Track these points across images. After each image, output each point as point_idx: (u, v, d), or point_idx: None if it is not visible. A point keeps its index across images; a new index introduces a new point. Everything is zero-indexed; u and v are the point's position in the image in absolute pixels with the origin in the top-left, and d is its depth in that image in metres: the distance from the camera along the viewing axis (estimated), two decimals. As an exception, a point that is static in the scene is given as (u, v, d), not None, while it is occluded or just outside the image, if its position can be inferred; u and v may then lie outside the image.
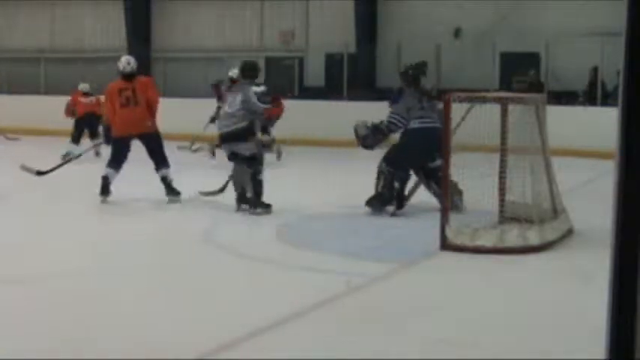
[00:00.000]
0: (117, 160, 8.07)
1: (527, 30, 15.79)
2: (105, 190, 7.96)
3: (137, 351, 3.72)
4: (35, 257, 5.77)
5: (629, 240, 1.23)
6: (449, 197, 6.19)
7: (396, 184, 7.45)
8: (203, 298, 4.76)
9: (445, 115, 6.22)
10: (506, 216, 6.61)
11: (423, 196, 7.74)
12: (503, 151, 6.72)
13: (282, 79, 18.00)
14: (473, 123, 6.35)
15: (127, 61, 8.46)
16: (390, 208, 7.47)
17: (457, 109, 6.33)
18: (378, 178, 7.55)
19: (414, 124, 7.53)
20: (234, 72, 12.37)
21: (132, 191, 8.53)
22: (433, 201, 7.45)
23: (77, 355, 3.66)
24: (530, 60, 15.61)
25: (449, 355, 3.78)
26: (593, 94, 14.48)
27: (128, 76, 8.35)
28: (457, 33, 16.99)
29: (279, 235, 6.62)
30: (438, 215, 6.21)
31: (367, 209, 7.47)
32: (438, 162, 7.50)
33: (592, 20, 15.08)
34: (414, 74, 8.06)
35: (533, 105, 6.82)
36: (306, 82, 18.46)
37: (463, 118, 8.37)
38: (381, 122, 7.72)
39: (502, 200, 6.63)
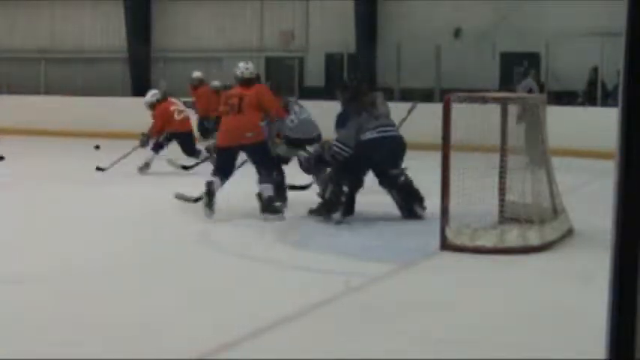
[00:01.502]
0: (219, 172, 7.46)
1: (527, 30, 15.80)
2: (209, 199, 7.20)
3: (137, 351, 3.72)
4: (34, 256, 5.77)
5: (629, 240, 1.23)
6: (448, 199, 6.18)
7: (345, 189, 7.05)
8: (203, 298, 4.76)
9: (445, 115, 6.20)
10: (506, 216, 6.61)
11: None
12: (504, 151, 6.73)
13: (282, 79, 18.01)
14: (473, 123, 6.34)
15: (244, 66, 7.61)
16: (336, 215, 7.04)
17: (458, 110, 6.31)
18: (325, 185, 7.27)
19: (371, 134, 7.10)
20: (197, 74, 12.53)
21: (133, 192, 8.54)
22: (431, 202, 7.42)
23: (77, 355, 3.66)
24: (530, 60, 15.62)
25: (449, 355, 3.78)
26: (593, 94, 14.49)
27: (246, 82, 7.55)
28: (457, 33, 17.00)
29: (279, 235, 6.62)
30: (437, 215, 6.20)
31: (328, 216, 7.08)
32: (398, 169, 7.37)
33: (592, 20, 15.09)
34: (356, 86, 7.60)
35: (533, 105, 6.83)
36: (306, 82, 18.47)
37: (404, 119, 8.32)
38: (326, 149, 7.26)
39: (502, 200, 6.64)
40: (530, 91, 11.76)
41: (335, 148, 7.09)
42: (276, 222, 7.14)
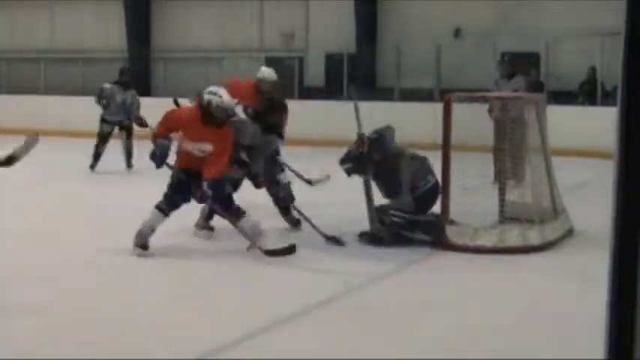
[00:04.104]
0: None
1: (527, 30, 15.79)
2: None
3: (137, 351, 3.72)
4: (33, 256, 5.76)
5: (629, 240, 1.23)
6: (448, 199, 6.17)
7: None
8: (203, 298, 4.76)
9: (445, 115, 6.20)
10: (507, 216, 6.60)
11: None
12: (504, 150, 6.72)
13: (282, 79, 18.01)
14: (473, 123, 6.34)
15: None
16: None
17: (458, 110, 6.31)
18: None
19: (433, 177, 6.31)
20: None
21: (131, 192, 8.54)
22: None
23: (77, 355, 3.66)
24: (530, 60, 15.60)
25: (449, 355, 3.78)
26: (593, 94, 14.49)
27: None
28: (457, 33, 17.00)
29: (279, 235, 6.61)
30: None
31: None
32: None
33: (592, 20, 15.08)
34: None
35: (533, 105, 6.83)
36: (306, 82, 18.45)
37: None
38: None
39: (502, 200, 6.63)
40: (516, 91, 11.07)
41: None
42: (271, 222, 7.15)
